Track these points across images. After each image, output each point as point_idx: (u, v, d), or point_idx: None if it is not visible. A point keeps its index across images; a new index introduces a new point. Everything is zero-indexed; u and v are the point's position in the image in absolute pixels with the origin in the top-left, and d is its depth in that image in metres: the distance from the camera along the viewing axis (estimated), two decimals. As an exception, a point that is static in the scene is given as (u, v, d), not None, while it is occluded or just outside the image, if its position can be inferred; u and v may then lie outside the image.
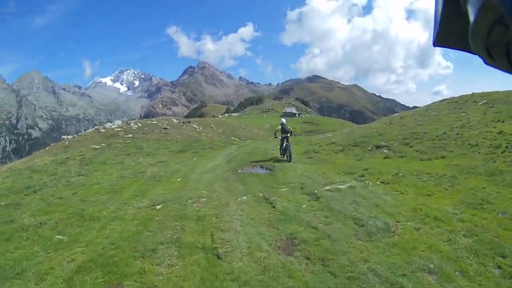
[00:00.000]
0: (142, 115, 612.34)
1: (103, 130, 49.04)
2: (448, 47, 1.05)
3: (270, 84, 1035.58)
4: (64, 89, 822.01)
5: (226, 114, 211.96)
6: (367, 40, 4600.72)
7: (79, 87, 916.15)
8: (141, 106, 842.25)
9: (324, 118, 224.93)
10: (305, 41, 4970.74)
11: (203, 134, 57.78)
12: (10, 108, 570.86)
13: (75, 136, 49.95)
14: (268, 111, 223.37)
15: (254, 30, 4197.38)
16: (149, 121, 55.70)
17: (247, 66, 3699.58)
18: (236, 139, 59.93)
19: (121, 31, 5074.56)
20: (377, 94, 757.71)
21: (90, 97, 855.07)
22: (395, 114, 51.39)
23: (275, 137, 25.73)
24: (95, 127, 55.21)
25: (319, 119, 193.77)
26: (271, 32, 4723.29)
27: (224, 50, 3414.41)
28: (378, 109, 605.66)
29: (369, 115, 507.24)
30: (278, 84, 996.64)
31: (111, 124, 53.37)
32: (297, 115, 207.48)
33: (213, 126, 68.01)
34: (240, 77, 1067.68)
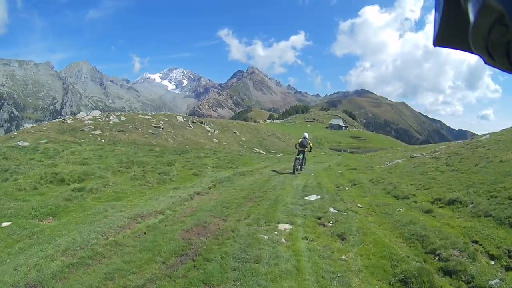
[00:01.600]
0: (188, 114, 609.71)
1: (69, 122, 36.34)
2: (449, 47, 1.06)
3: (318, 95, 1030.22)
4: (111, 81, 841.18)
5: (269, 120, 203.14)
6: (418, 57, 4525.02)
7: (127, 81, 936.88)
8: (187, 105, 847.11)
9: (372, 134, 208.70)
10: (356, 53, 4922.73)
11: (214, 140, 43.59)
12: (56, 94, 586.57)
13: (34, 125, 38.09)
14: (314, 121, 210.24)
15: (305, 39, 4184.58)
16: (140, 116, 41.77)
17: (296, 74, 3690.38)
18: (260, 151, 45.64)
19: (173, 30, 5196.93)
20: (424, 114, 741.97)
21: (137, 91, 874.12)
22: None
23: (296, 148, 24.44)
24: (65, 117, 41.78)
25: (367, 135, 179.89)
26: (322, 41, 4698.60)
27: (274, 56, 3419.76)
28: (423, 129, 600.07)
29: (414, 134, 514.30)
30: (326, 95, 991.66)
31: (85, 114, 40.23)
32: (343, 128, 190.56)
33: (235, 131, 53.04)
34: (289, 85, 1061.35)
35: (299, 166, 23.12)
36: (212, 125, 50.37)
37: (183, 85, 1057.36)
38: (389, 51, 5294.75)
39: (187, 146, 35.06)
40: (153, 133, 36.44)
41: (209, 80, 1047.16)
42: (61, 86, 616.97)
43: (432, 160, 23.83)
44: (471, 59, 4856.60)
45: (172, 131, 39.47)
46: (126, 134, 34.43)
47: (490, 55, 0.85)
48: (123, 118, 39.29)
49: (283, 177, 19.63)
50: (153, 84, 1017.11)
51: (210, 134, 45.22)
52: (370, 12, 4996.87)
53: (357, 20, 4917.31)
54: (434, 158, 25.10)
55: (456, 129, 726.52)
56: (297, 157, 23.07)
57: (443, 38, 1.01)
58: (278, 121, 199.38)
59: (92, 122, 36.56)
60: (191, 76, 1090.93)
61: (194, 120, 47.65)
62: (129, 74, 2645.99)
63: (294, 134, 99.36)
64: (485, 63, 0.89)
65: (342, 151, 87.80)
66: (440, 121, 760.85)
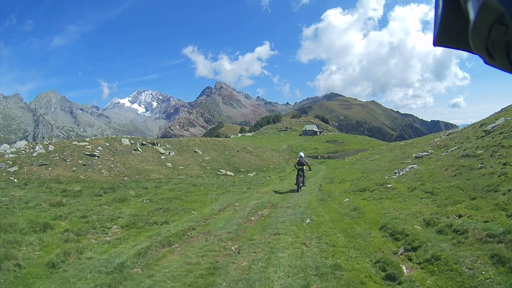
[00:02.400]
0: (160, 136, 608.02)
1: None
2: (449, 47, 1.07)
3: (288, 103, 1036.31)
4: (81, 109, 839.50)
5: (240, 134, 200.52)
6: (384, 54, 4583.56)
7: (97, 108, 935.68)
8: (159, 127, 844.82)
9: (349, 136, 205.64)
10: (321, 58, 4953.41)
11: (168, 165, 35.35)
12: (27, 127, 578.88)
13: None
14: (286, 130, 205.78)
15: (270, 49, 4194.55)
16: (74, 143, 33.69)
17: (264, 85, 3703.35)
18: (226, 173, 37.79)
19: (139, 52, 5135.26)
20: (395, 110, 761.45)
21: (108, 117, 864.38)
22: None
23: (295, 167, 25.28)
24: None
25: (344, 137, 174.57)
26: (287, 50, 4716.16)
27: (241, 69, 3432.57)
28: (396, 125, 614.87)
29: (387, 131, 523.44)
30: (296, 103, 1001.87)
31: (8, 147, 32.46)
32: (318, 133, 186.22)
33: (197, 150, 44.82)
34: (258, 97, 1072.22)
35: (301, 184, 23.87)
36: (168, 145, 42.47)
37: (153, 107, 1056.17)
38: (354, 52, 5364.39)
39: (125, 178, 27.37)
40: (84, 164, 28.54)
41: (179, 99, 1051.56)
42: (31, 118, 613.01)
43: (472, 160, 17.36)
44: (437, 51, 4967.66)
45: (112, 159, 31.61)
46: (49, 168, 26.45)
47: (490, 55, 0.85)
48: (51, 148, 31.12)
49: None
50: (123, 109, 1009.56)
51: (163, 157, 37.31)
52: (333, 15, 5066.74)
53: (320, 24, 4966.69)
54: (466, 156, 18.75)
55: (429, 120, 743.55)
56: (298, 175, 24.01)
57: (443, 38, 1.02)
58: (249, 134, 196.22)
59: (13, 156, 28.55)
60: (160, 97, 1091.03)
61: (144, 142, 39.68)
62: (98, 100, 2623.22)
63: (268, 145, 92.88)
64: (485, 63, 0.89)
65: (319, 157, 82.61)
66: (412, 115, 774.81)
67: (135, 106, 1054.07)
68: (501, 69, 0.87)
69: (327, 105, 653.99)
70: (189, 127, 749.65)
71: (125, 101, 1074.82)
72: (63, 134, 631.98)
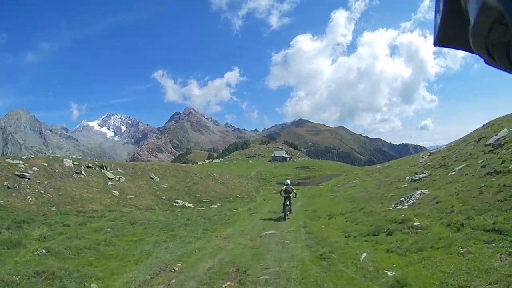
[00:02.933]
0: (128, 161, 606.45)
1: None
2: (449, 47, 1.07)
3: (256, 130, 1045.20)
4: (51, 130, 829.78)
5: (208, 160, 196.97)
6: (352, 80, 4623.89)
7: (66, 130, 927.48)
8: (128, 152, 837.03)
9: (319, 161, 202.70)
10: (290, 84, 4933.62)
11: (114, 192, 30.11)
12: None
13: None
14: (255, 156, 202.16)
15: (239, 75, 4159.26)
16: (7, 160, 28.28)
17: (233, 111, 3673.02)
18: (185, 204, 32.78)
19: (109, 74, 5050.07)
20: (363, 135, 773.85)
21: (76, 140, 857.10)
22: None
23: (281, 195, 25.66)
24: None
25: (314, 163, 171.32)
26: (256, 76, 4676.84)
27: (210, 95, 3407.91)
28: (365, 149, 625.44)
29: (356, 156, 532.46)
30: (264, 129, 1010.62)
31: None
32: (288, 159, 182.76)
33: (153, 177, 39.66)
34: (226, 124, 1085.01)
35: (288, 212, 24.21)
36: (119, 169, 37.15)
37: (122, 131, 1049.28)
38: (322, 77, 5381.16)
39: (52, 208, 22.02)
40: (9, 187, 23.11)
41: (147, 124, 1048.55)
42: (0, 136, 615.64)
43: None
44: (405, 74, 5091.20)
45: (45, 182, 26.27)
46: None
47: (490, 55, 0.85)
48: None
49: None
50: (92, 132, 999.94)
51: (110, 183, 32.04)
52: (302, 41, 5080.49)
53: (290, 50, 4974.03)
54: (496, 173, 15.75)
55: (397, 144, 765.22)
56: (285, 203, 24.29)
57: (443, 38, 1.02)
58: (217, 160, 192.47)
59: None
60: (129, 121, 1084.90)
61: (90, 165, 34.34)
62: (68, 122, 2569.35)
63: (236, 171, 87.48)
64: (486, 63, 0.89)
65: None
66: (381, 139, 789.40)
67: (104, 129, 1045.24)
68: (501, 69, 0.87)
69: (296, 131, 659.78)
70: (157, 153, 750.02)
71: (94, 124, 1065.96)
72: (32, 154, 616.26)
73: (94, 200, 26.29)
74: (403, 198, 19.46)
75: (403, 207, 17.58)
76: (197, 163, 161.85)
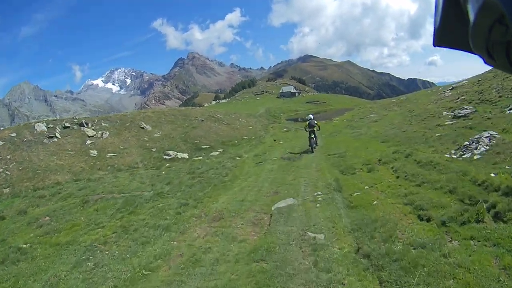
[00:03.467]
0: None
1: None
2: (449, 47, 1.06)
3: (262, 68, 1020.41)
4: (56, 96, 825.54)
5: (214, 102, 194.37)
6: (357, 14, 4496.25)
7: (71, 92, 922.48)
8: (135, 104, 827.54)
9: (330, 96, 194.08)
10: (293, 20, 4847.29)
11: (92, 153, 25.52)
12: (3, 122, 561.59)
13: None
14: (263, 93, 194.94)
15: (241, 15, 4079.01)
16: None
17: (237, 52, 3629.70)
18: (177, 155, 27.87)
19: (107, 31, 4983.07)
20: (371, 69, 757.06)
21: (83, 100, 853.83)
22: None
23: (306, 130, 26.23)
24: None
25: (325, 97, 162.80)
26: (258, 15, 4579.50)
27: (213, 38, 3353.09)
28: (373, 84, 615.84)
29: (365, 90, 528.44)
30: (270, 67, 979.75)
31: None
32: (296, 94, 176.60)
33: (144, 126, 34.65)
34: (232, 64, 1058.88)
35: (314, 144, 25.08)
36: (103, 124, 32.39)
37: (127, 84, 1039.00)
38: (327, 13, 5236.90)
39: (6, 190, 17.47)
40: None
41: (152, 74, 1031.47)
42: (7, 113, 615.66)
43: None
44: (411, 9, 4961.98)
45: (8, 156, 21.77)
46: None
47: (490, 55, 0.85)
48: None
49: None
50: (97, 90, 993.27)
51: (89, 142, 27.39)
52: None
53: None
54: None
55: (406, 78, 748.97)
56: (310, 137, 25.11)
57: (443, 38, 1.01)
58: (224, 101, 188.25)
59: None
60: (133, 73, 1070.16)
61: (67, 124, 29.61)
62: (72, 84, 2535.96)
63: (243, 110, 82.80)
64: (485, 63, 0.90)
65: (300, 120, 72.45)
66: (389, 74, 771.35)
67: (109, 85, 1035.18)
68: (501, 69, 0.88)
69: (302, 67, 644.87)
70: (164, 100, 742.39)
71: (99, 82, 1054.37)
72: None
73: (62, 169, 21.85)
74: (467, 143, 14.43)
75: (474, 157, 12.58)
76: (203, 105, 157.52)
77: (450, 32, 0.96)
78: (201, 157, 27.11)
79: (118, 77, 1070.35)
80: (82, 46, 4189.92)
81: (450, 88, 40.85)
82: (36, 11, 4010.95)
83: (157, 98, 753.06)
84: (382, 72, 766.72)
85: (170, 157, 27.16)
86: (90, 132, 29.35)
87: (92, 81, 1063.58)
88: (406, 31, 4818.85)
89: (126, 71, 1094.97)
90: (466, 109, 22.28)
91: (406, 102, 50.04)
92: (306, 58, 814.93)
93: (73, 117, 36.50)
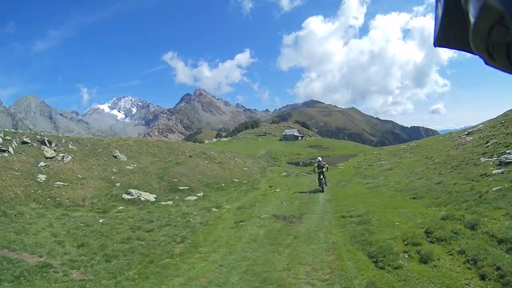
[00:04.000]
0: None
1: None
2: (449, 47, 1.07)
3: (267, 110, 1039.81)
4: (61, 114, 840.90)
5: (215, 139, 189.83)
6: (364, 62, 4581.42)
7: (76, 113, 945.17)
8: (138, 133, 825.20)
9: (333, 141, 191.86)
10: (301, 65, 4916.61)
11: (39, 178, 20.54)
12: None
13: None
14: (265, 135, 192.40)
15: (250, 56, 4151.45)
16: None
17: (244, 93, 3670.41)
18: (141, 197, 21.96)
19: (118, 58, 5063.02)
20: (375, 116, 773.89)
21: (87, 123, 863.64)
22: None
23: (314, 172, 27.58)
24: None
25: (328, 142, 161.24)
26: (267, 57, 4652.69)
27: (221, 76, 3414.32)
28: (376, 131, 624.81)
29: (368, 137, 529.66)
30: (275, 110, 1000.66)
31: None
32: (299, 138, 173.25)
33: (118, 155, 29.67)
34: (237, 104, 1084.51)
35: (324, 185, 25.97)
36: (70, 145, 27.92)
37: (133, 113, 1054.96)
38: (334, 59, 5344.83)
39: None
40: None
41: (158, 106, 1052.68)
42: (10, 123, 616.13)
43: None
44: (417, 58, 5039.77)
45: None
46: None
47: (490, 55, 0.85)
48: None
49: None
50: (103, 115, 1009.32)
51: (43, 164, 22.53)
52: (314, 23, 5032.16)
53: (301, 32, 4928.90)
54: None
55: (409, 126, 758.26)
56: (320, 178, 26.18)
57: (443, 39, 1.02)
58: (225, 139, 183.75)
59: None
60: (140, 103, 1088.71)
61: (27, 140, 25.27)
62: (78, 106, 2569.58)
63: (243, 150, 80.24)
64: (486, 63, 0.89)
65: (301, 164, 69.92)
66: (392, 121, 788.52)
67: (115, 112, 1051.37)
68: (501, 70, 0.87)
69: (307, 112, 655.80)
70: (168, 133, 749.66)
71: (105, 107, 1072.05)
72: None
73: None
74: None
75: None
76: (204, 141, 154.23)
77: (450, 32, 0.97)
78: (171, 202, 21.91)
79: (124, 105, 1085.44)
80: (93, 69, 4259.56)
81: (466, 133, 39.01)
82: (52, 27, 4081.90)
83: (161, 131, 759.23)
84: (386, 120, 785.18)
85: (130, 197, 21.43)
86: (50, 152, 24.79)
87: (98, 105, 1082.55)
88: (411, 79, 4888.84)
89: (133, 100, 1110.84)
90: (510, 153, 18.39)
91: (418, 148, 47.04)
92: (311, 103, 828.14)
93: (37, 132, 32.24)
